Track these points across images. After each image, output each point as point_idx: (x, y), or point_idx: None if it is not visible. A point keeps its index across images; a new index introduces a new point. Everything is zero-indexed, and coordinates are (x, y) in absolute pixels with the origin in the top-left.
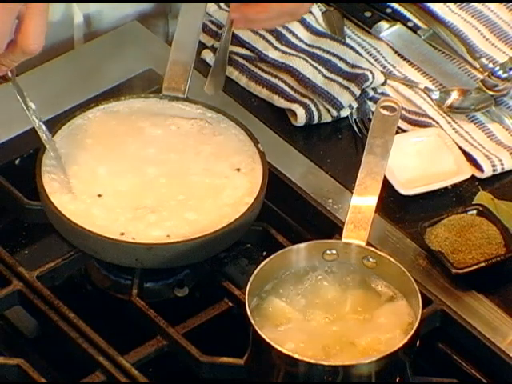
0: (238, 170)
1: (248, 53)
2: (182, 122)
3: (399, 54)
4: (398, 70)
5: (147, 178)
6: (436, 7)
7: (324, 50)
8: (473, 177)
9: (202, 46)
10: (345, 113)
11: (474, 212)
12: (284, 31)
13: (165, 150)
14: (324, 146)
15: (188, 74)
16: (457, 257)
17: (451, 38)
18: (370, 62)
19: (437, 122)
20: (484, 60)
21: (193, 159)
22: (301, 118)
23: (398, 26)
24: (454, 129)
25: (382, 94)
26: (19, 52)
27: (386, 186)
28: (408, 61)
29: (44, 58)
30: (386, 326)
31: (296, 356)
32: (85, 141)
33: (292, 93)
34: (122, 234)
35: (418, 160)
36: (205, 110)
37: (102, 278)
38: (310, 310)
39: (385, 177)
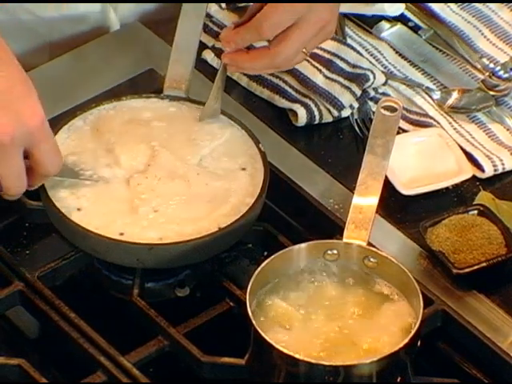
0: (244, 169)
1: None
2: (182, 121)
3: (400, 54)
4: (398, 70)
5: (148, 178)
6: (437, 7)
7: (325, 50)
8: (474, 177)
9: (202, 46)
10: (346, 113)
11: (475, 212)
12: None
13: (165, 150)
14: (325, 146)
15: (189, 74)
16: (458, 257)
17: (452, 38)
18: (370, 62)
19: (438, 122)
20: (485, 60)
21: (194, 159)
22: (302, 118)
23: (399, 26)
24: (455, 129)
25: (383, 94)
26: (40, 178)
27: (387, 186)
28: (409, 61)
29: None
30: (386, 326)
31: (297, 356)
32: (84, 141)
33: (293, 93)
34: (122, 234)
35: (418, 160)
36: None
37: (103, 278)
38: (310, 309)
39: (386, 177)
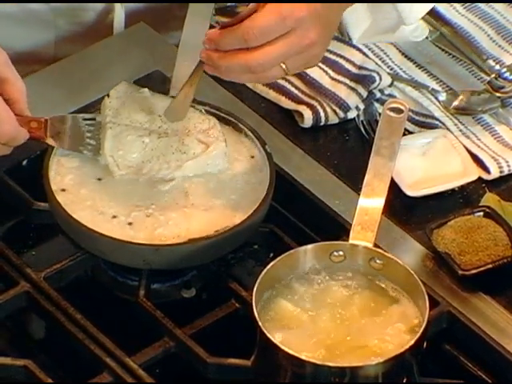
0: (250, 169)
1: None
2: (187, 119)
3: (406, 56)
4: (404, 72)
5: (155, 179)
6: (443, 9)
7: (331, 52)
8: (479, 178)
9: None
10: (352, 114)
11: (481, 214)
12: None
13: (170, 152)
14: (331, 147)
15: None
16: (464, 258)
17: (458, 39)
18: (376, 64)
19: (443, 124)
20: (491, 62)
21: (199, 154)
22: (308, 119)
23: None
24: (460, 130)
25: (389, 95)
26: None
27: (393, 187)
28: (415, 62)
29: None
30: (392, 328)
31: (303, 357)
32: None
33: (299, 94)
34: (129, 235)
35: (424, 161)
36: (213, 111)
37: (109, 279)
38: (316, 311)
39: (391, 178)
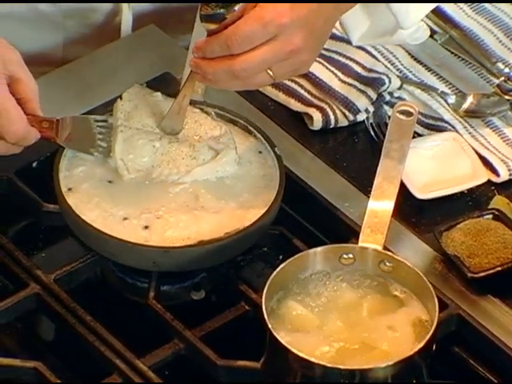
0: (259, 172)
1: None
2: (198, 125)
3: (415, 59)
4: (414, 75)
5: (165, 182)
6: (451, 11)
7: (341, 54)
8: (489, 181)
9: None
10: (361, 117)
11: (490, 216)
12: None
13: (180, 157)
14: (340, 149)
15: None
16: (473, 261)
17: (467, 42)
18: (386, 66)
19: (453, 127)
20: (500, 64)
21: (208, 161)
22: (317, 121)
23: None
24: (469, 133)
25: (399, 98)
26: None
27: (402, 190)
28: (424, 65)
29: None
30: (402, 330)
31: (312, 360)
32: None
33: (309, 97)
34: (139, 237)
35: (434, 164)
36: (222, 113)
37: (119, 281)
38: (326, 313)
39: (401, 181)
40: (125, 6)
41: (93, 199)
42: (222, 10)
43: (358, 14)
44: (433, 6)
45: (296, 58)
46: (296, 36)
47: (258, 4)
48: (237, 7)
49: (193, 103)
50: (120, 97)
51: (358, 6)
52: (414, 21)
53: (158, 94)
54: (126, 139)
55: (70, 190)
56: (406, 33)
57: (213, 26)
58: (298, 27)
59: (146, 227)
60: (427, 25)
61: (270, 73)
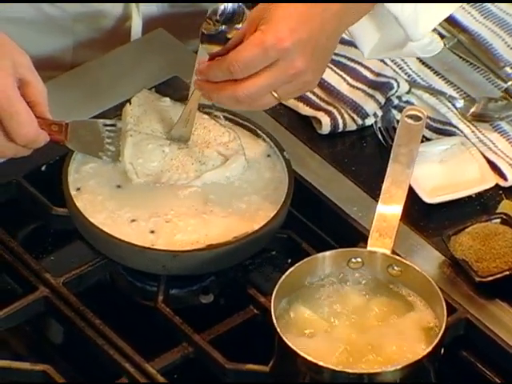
0: (267, 176)
1: None
2: (207, 131)
3: (423, 63)
4: (422, 79)
5: (174, 186)
6: (460, 16)
7: (349, 59)
8: (497, 185)
9: None
10: (369, 121)
11: (498, 220)
12: None
13: (190, 162)
14: (349, 154)
15: None
16: (481, 265)
17: (475, 46)
18: (394, 71)
19: (461, 131)
20: (508, 69)
21: (218, 166)
22: (326, 125)
23: None
24: (477, 137)
25: (407, 102)
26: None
27: (411, 194)
28: (432, 69)
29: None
30: (410, 334)
31: (321, 363)
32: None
33: (317, 100)
34: (148, 240)
35: (442, 168)
36: (231, 117)
37: (128, 285)
38: (334, 317)
39: (409, 185)
40: (134, 10)
41: (102, 202)
42: (223, 27)
43: (367, 28)
44: (443, 17)
45: (299, 79)
46: (298, 59)
47: (258, 28)
48: (240, 25)
49: (202, 107)
50: (129, 101)
51: (367, 19)
52: (424, 32)
53: (167, 99)
54: (135, 144)
55: (78, 193)
56: (417, 45)
57: (214, 49)
58: (299, 50)
59: (154, 231)
60: (435, 28)
61: (275, 95)
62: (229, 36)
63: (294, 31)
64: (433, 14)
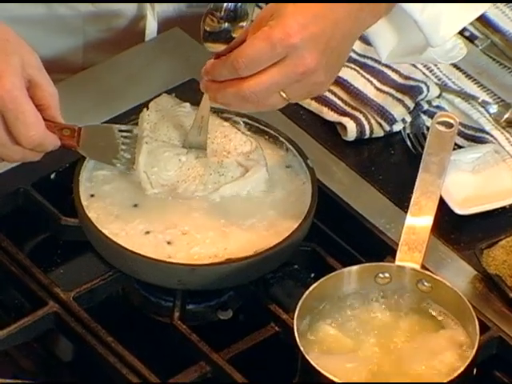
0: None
1: None
2: (228, 140)
3: (455, 65)
4: (453, 82)
5: (192, 197)
6: (493, 16)
7: (376, 61)
8: None
9: None
10: (398, 127)
11: None
12: None
13: (208, 173)
14: (376, 161)
15: None
16: None
17: (510, 48)
18: (424, 74)
19: (494, 138)
20: None
21: (237, 178)
22: (351, 132)
23: (454, 36)
24: None
25: (437, 107)
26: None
27: (441, 204)
28: (464, 72)
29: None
30: (441, 354)
31: None
32: None
33: (342, 105)
34: (164, 253)
35: (474, 178)
36: (251, 122)
37: (142, 300)
38: (361, 335)
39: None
40: (149, 10)
41: (115, 212)
42: (226, 25)
43: (385, 31)
44: (468, 20)
45: (309, 79)
46: (307, 57)
47: (267, 24)
48: (245, 23)
49: (220, 112)
50: (146, 106)
51: (385, 21)
52: (445, 38)
53: (187, 104)
54: (150, 151)
55: (90, 203)
56: (436, 51)
57: (219, 48)
58: (309, 47)
59: (171, 243)
60: (467, 29)
61: (283, 95)
62: (234, 35)
63: (303, 27)
64: (457, 17)
